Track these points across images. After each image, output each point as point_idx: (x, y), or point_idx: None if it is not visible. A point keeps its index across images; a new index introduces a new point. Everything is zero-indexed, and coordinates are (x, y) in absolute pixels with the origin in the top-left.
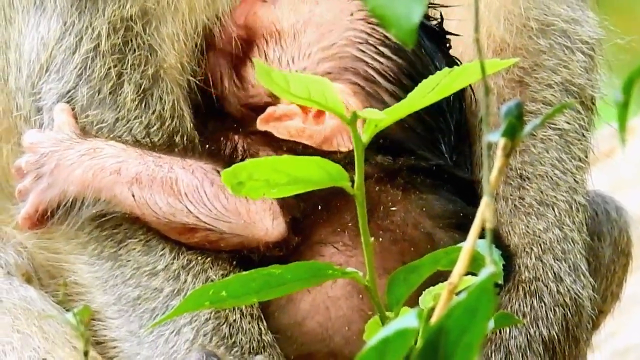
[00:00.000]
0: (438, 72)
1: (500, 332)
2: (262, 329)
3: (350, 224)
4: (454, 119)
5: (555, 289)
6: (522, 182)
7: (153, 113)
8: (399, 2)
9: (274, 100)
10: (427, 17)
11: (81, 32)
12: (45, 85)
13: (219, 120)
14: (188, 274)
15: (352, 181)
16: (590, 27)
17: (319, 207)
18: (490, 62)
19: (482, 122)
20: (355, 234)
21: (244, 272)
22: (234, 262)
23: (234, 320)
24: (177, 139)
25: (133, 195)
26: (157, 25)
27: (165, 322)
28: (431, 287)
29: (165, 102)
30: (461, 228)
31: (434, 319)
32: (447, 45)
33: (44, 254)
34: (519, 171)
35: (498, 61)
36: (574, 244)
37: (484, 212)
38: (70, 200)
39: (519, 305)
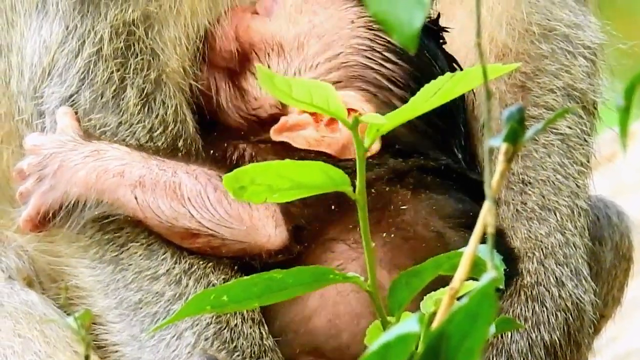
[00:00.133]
0: (440, 76)
1: (502, 337)
2: (264, 333)
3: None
4: (463, 120)
5: (557, 294)
6: (524, 187)
7: (156, 117)
8: (400, 7)
9: (281, 111)
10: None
11: (84, 36)
12: (47, 89)
13: (224, 126)
14: (190, 278)
15: (354, 186)
16: (593, 32)
17: (332, 205)
18: (492, 67)
19: (484, 126)
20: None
21: (246, 277)
22: (236, 267)
23: (235, 325)
24: (180, 143)
25: (136, 198)
26: (159, 30)
27: (166, 326)
28: (432, 292)
29: (167, 106)
30: (471, 227)
31: (435, 324)
32: (444, 41)
33: (45, 257)
34: (521, 176)
35: (500, 66)
36: (575, 249)
37: (485, 217)
38: (73, 202)
39: (521, 309)
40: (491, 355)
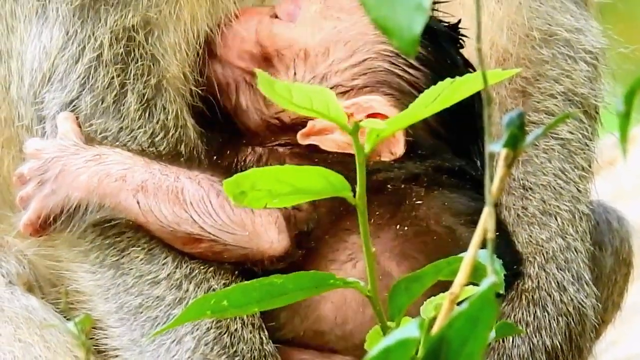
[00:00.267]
0: (440, 82)
1: (503, 341)
2: (264, 338)
3: (374, 216)
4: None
5: (558, 298)
6: (524, 192)
7: (157, 122)
8: (400, 12)
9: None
10: (440, 21)
11: (84, 42)
12: (48, 95)
13: (231, 132)
14: (190, 283)
15: (354, 191)
16: (594, 37)
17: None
18: (493, 72)
19: (484, 132)
20: (377, 225)
21: (246, 282)
22: (236, 272)
23: (235, 330)
24: (182, 148)
25: (138, 203)
26: (159, 35)
27: (166, 331)
28: (432, 297)
29: (168, 111)
30: None
31: (435, 329)
32: (462, 47)
33: (46, 262)
34: (521, 181)
35: (500, 71)
36: (577, 253)
37: (485, 222)
38: (74, 206)
39: (522, 314)
40: None
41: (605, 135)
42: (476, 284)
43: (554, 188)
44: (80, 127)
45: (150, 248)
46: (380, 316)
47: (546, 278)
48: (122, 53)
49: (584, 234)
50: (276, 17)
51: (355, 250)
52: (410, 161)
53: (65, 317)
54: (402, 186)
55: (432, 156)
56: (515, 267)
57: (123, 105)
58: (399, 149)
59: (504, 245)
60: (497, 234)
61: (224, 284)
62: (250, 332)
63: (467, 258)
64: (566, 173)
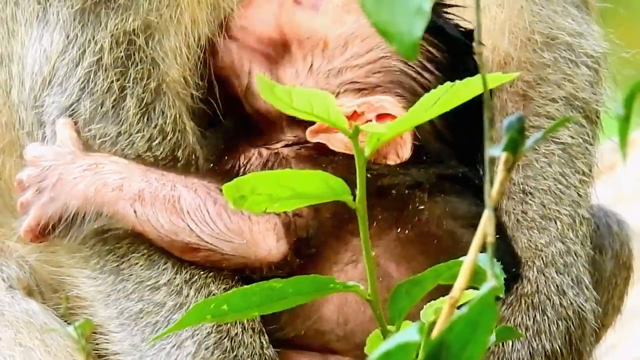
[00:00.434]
0: (440, 86)
1: (503, 345)
2: (264, 342)
3: (376, 219)
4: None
5: (558, 302)
6: (524, 196)
7: (155, 127)
8: (400, 17)
9: None
10: (456, 26)
11: (84, 45)
12: (48, 98)
13: (234, 134)
14: (190, 288)
15: (354, 195)
16: (595, 41)
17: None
18: (494, 76)
19: (484, 136)
20: (381, 226)
21: (246, 286)
22: (236, 277)
23: (236, 334)
24: (179, 153)
25: (135, 212)
26: (159, 39)
27: (167, 335)
28: (432, 301)
29: (167, 116)
30: None
31: (435, 333)
32: (473, 52)
33: (46, 267)
34: (521, 186)
35: (501, 75)
36: (576, 257)
37: (485, 226)
38: (72, 214)
39: (522, 318)
40: None
41: (604, 140)
42: (476, 288)
43: (554, 192)
44: (79, 133)
45: (150, 254)
46: (380, 320)
47: (545, 282)
48: (122, 57)
49: (584, 238)
50: (298, 3)
51: (357, 252)
52: (415, 168)
53: (65, 321)
54: (406, 192)
55: (437, 163)
56: (514, 270)
57: (122, 109)
58: (406, 152)
59: (504, 249)
60: (497, 237)
61: (224, 288)
62: (251, 337)
63: (467, 262)
64: (566, 177)
